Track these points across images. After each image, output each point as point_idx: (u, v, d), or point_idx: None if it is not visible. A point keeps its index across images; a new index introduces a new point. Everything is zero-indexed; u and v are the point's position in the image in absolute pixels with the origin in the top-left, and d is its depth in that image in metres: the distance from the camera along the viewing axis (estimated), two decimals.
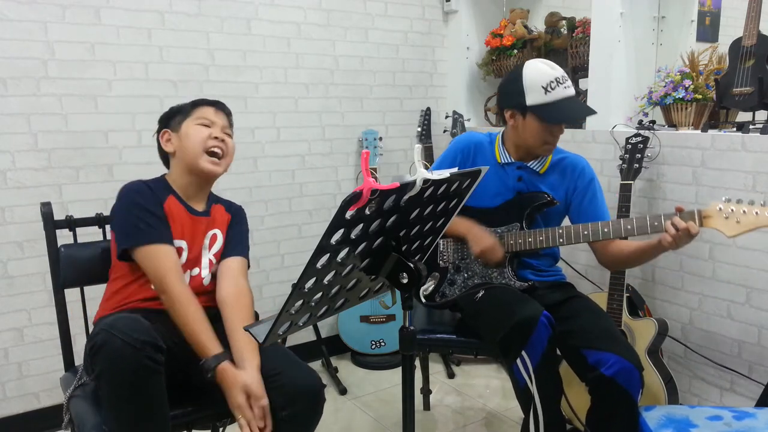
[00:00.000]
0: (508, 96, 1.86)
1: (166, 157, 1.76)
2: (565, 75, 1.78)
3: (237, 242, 1.75)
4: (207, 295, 1.66)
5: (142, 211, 1.57)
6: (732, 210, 1.57)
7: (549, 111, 1.77)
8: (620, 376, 1.58)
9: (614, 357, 1.59)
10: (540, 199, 1.89)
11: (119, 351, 1.27)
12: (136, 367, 1.28)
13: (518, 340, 1.63)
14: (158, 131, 1.74)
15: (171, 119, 1.72)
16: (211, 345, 1.48)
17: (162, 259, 1.55)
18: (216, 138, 1.67)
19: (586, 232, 1.77)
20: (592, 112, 1.83)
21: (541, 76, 1.76)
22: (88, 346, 1.33)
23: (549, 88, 1.75)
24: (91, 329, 1.65)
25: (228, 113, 1.76)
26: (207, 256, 1.69)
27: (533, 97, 1.77)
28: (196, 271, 1.66)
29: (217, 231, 1.73)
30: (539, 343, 1.63)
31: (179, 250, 1.63)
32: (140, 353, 1.28)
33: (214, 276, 1.69)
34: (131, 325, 1.31)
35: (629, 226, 1.70)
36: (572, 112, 1.81)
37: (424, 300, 1.98)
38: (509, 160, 1.93)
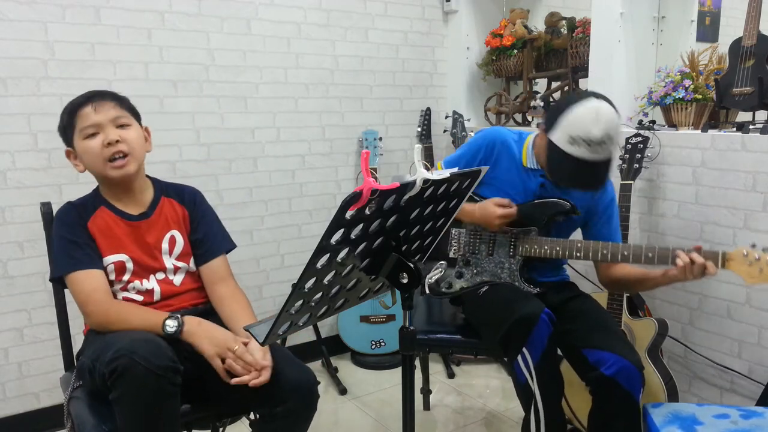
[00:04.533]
0: (549, 111, 1.76)
1: None
2: (605, 140, 1.61)
3: (210, 242, 1.67)
4: (184, 295, 1.63)
5: (62, 241, 1.52)
6: (757, 257, 1.53)
7: (557, 158, 1.68)
8: (621, 375, 1.58)
9: (614, 357, 1.59)
10: (562, 207, 1.84)
11: (141, 378, 1.26)
12: (157, 393, 1.29)
13: (519, 337, 1.63)
14: (63, 143, 1.60)
15: (65, 135, 1.57)
16: (158, 314, 1.47)
17: (80, 284, 1.50)
18: (110, 144, 1.49)
19: (605, 252, 1.74)
20: (593, 187, 1.75)
21: (578, 125, 1.62)
22: (107, 368, 1.29)
23: (574, 142, 1.63)
24: (81, 339, 1.64)
25: (112, 97, 1.54)
26: (170, 261, 1.61)
27: (558, 135, 1.66)
28: (160, 275, 1.60)
29: (174, 232, 1.63)
30: (540, 341, 1.63)
31: (119, 264, 1.55)
32: (161, 379, 1.28)
33: (187, 274, 1.64)
34: (153, 350, 1.30)
35: (650, 254, 1.67)
36: (574, 176, 1.69)
37: (427, 289, 1.96)
38: (535, 167, 1.87)
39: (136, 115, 1.60)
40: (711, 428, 1.53)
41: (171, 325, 1.44)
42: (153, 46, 2.43)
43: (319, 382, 1.52)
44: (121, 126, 1.53)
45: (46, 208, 1.66)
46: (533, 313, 1.63)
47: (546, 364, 1.66)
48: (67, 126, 1.54)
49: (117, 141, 1.50)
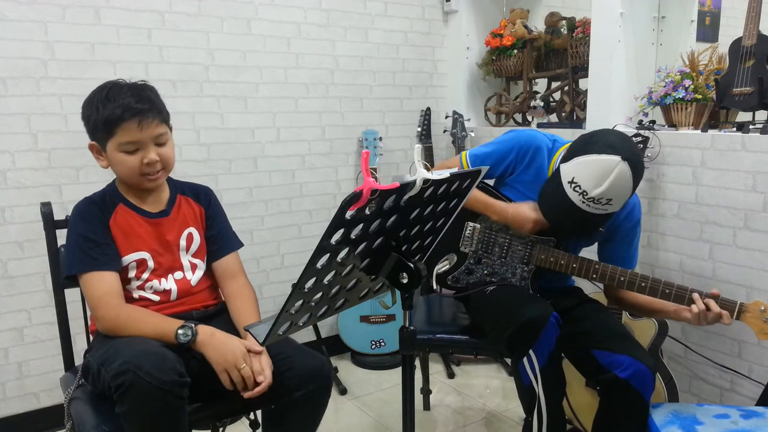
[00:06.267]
0: (580, 139, 1.68)
1: None
2: (601, 201, 1.58)
3: (224, 238, 1.69)
4: (197, 295, 1.64)
5: (80, 238, 1.50)
6: None
7: (552, 186, 1.65)
8: (635, 378, 1.57)
9: (629, 359, 1.58)
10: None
11: (147, 394, 1.25)
12: (163, 408, 1.28)
13: (526, 339, 1.62)
14: (87, 132, 1.53)
15: (95, 129, 1.49)
16: (171, 322, 1.45)
17: (92, 286, 1.48)
18: (149, 163, 1.49)
19: (623, 279, 1.71)
20: (570, 231, 1.71)
21: (584, 174, 1.57)
22: (113, 382, 1.28)
23: (572, 185, 1.60)
24: (90, 338, 1.63)
25: (157, 113, 1.49)
26: (186, 258, 1.63)
27: (566, 168, 1.62)
28: (179, 275, 1.61)
29: (192, 230, 1.64)
30: (547, 344, 1.62)
31: (142, 262, 1.56)
32: (168, 395, 1.27)
33: (204, 273, 1.66)
34: (159, 364, 1.28)
35: (667, 290, 1.65)
36: (556, 211, 1.66)
37: (435, 281, 1.93)
38: None
39: (169, 121, 1.57)
40: (711, 428, 1.53)
41: (184, 335, 1.42)
42: (153, 46, 2.43)
43: (333, 367, 1.53)
44: (160, 144, 1.52)
45: (46, 208, 1.66)
46: (542, 317, 1.61)
47: (551, 366, 1.64)
48: (102, 129, 1.47)
49: (156, 160, 1.51)
